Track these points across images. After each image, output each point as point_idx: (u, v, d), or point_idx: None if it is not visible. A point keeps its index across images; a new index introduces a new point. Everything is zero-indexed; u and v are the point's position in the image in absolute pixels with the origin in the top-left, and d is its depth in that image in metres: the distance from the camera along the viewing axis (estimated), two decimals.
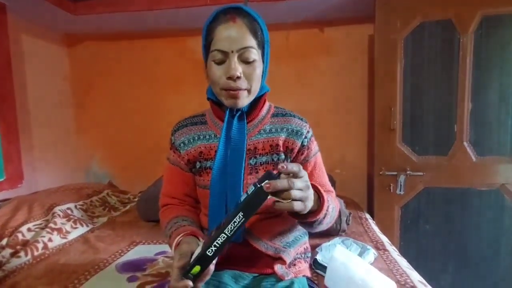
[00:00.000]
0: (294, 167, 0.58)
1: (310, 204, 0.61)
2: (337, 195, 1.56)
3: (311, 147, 0.81)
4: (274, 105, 0.85)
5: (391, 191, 1.73)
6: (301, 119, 0.82)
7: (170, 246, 0.72)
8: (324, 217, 0.69)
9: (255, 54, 0.71)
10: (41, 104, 2.06)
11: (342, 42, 2.09)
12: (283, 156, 0.78)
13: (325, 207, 0.67)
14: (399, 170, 1.70)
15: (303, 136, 0.79)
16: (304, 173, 0.60)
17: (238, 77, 0.70)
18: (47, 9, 1.78)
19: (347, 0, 1.75)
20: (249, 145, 0.78)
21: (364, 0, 1.74)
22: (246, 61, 0.70)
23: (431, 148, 1.68)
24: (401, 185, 1.70)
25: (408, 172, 1.68)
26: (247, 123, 0.78)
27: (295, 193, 0.57)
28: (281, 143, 0.78)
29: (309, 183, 0.61)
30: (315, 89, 2.14)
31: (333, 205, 0.74)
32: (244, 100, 0.74)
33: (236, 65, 0.69)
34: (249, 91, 0.73)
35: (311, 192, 0.61)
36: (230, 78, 0.70)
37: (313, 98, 2.14)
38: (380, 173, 1.73)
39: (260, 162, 0.77)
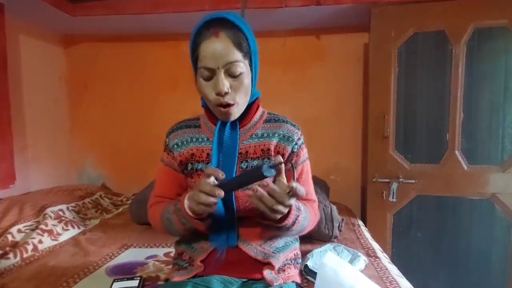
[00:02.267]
0: (300, 191, 0.63)
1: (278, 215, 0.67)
2: (331, 201, 1.58)
3: (300, 154, 0.82)
4: (268, 111, 0.86)
5: (384, 198, 1.74)
6: (293, 126, 0.83)
7: (180, 210, 0.71)
8: (292, 225, 0.72)
9: (241, 67, 0.71)
10: (36, 104, 2.04)
11: (338, 50, 2.11)
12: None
13: (292, 216, 0.70)
14: (392, 178, 1.71)
15: (294, 142, 0.80)
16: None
17: (226, 93, 0.71)
18: (45, 10, 1.78)
19: (344, 9, 1.78)
20: (240, 149, 0.79)
21: (360, 9, 1.77)
22: (232, 75, 0.71)
23: (423, 156, 1.70)
24: (393, 192, 1.72)
25: (401, 179, 1.70)
26: (240, 128, 0.80)
27: (278, 207, 0.63)
28: (272, 147, 0.79)
29: (292, 204, 0.66)
30: (310, 96, 2.16)
31: (305, 215, 0.75)
32: (235, 113, 0.76)
33: (223, 81, 0.70)
34: (238, 104, 0.74)
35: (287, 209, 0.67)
36: (218, 94, 0.71)
37: (308, 105, 2.15)
38: (373, 180, 1.74)
39: (251, 166, 0.78)
